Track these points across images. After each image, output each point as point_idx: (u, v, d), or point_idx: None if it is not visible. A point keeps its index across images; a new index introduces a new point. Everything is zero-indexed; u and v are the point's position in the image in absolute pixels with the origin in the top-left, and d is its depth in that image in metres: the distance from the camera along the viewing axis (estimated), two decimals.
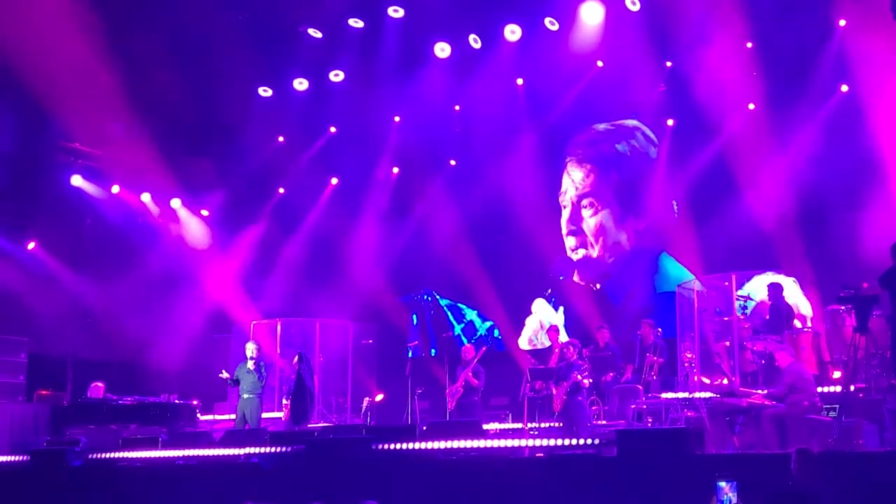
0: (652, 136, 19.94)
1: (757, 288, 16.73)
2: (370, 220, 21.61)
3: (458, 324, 21.55)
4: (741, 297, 16.40)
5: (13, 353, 18.91)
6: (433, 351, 21.23)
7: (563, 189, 20.67)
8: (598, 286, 20.20)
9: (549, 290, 20.55)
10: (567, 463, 11.14)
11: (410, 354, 21.09)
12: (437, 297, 21.88)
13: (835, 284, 13.74)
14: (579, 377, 15.07)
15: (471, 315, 21.50)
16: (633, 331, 17.33)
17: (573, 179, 20.56)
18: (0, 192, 19.56)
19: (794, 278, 16.97)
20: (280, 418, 17.17)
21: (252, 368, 16.49)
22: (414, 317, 22.05)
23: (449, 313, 21.72)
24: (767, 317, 16.10)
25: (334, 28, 19.44)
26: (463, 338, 20.98)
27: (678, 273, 18.70)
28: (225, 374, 16.79)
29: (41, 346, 19.27)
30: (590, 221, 20.28)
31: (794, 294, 16.87)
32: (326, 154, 21.91)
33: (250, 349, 16.72)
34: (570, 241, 20.51)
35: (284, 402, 16.78)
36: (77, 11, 16.92)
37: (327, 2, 18.80)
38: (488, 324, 21.22)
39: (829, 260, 16.78)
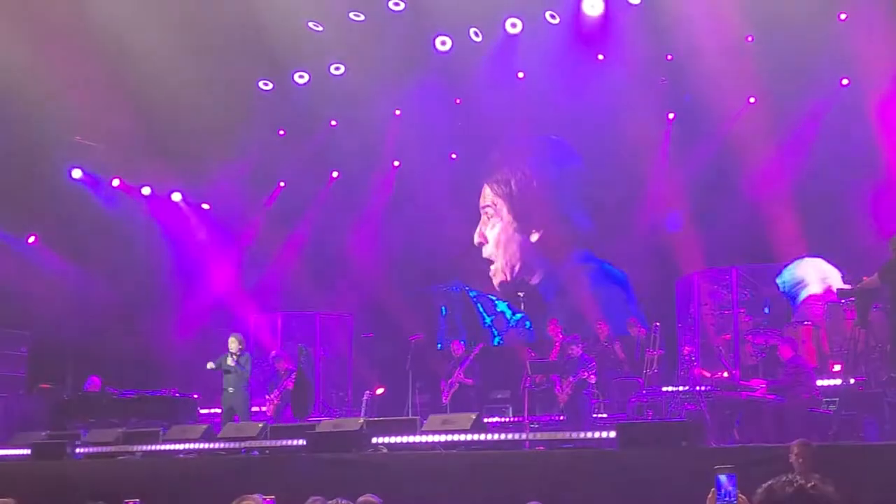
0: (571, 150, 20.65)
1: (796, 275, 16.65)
2: (371, 213, 21.60)
3: (489, 316, 21.56)
4: (785, 291, 16.44)
5: (14, 347, 18.95)
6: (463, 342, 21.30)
7: (485, 200, 21.31)
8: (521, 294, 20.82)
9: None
10: (567, 456, 11.16)
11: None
12: (466, 288, 21.90)
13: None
14: (586, 374, 15.18)
15: (501, 307, 21.53)
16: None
17: (492, 192, 21.30)
18: (0, 186, 19.54)
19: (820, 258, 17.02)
20: (265, 412, 17.11)
21: (232, 363, 16.27)
22: (443, 308, 21.99)
23: (478, 305, 21.74)
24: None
25: (335, 21, 19.39)
26: (494, 330, 21.13)
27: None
28: (211, 365, 16.62)
29: (42, 340, 19.30)
30: (495, 231, 21.17)
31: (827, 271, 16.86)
32: (327, 147, 21.88)
33: (233, 344, 16.36)
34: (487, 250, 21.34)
35: (268, 396, 16.75)
36: (76, 4, 16.92)
37: None
38: (519, 315, 21.26)
39: (830, 253, 16.78)
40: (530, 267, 20.95)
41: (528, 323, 21.04)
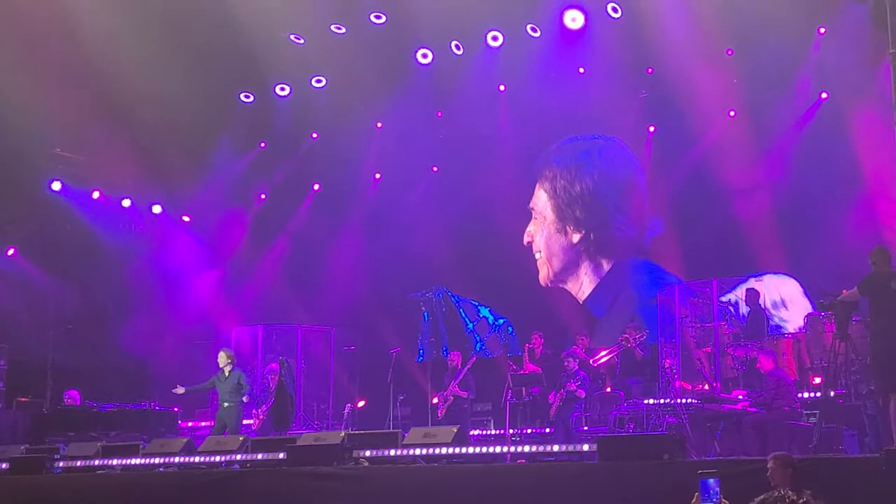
0: (629, 149, 20.08)
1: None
2: (352, 225, 21.56)
3: (471, 321, 21.49)
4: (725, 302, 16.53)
5: None
6: (444, 350, 21.09)
7: (534, 200, 20.80)
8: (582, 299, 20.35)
9: None
10: (548, 469, 11.15)
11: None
12: (449, 293, 21.76)
13: (815, 290, 13.80)
14: (574, 388, 15.31)
15: (484, 312, 21.44)
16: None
17: (544, 191, 20.75)
18: None
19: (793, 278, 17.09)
20: (250, 425, 17.06)
21: (228, 377, 16.34)
22: (425, 314, 21.88)
23: (461, 310, 21.65)
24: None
25: (316, 34, 19.41)
26: (476, 335, 21.10)
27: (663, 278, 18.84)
28: (181, 390, 16.71)
29: (21, 353, 19.19)
30: (540, 231, 20.64)
31: (796, 294, 16.96)
32: (308, 160, 21.86)
33: (222, 359, 16.48)
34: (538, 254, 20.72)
35: (254, 411, 16.72)
36: (59, 14, 16.86)
37: (310, 8, 18.78)
38: (501, 321, 21.15)
39: (810, 266, 16.86)
40: (574, 266, 20.35)
41: (510, 329, 20.95)
